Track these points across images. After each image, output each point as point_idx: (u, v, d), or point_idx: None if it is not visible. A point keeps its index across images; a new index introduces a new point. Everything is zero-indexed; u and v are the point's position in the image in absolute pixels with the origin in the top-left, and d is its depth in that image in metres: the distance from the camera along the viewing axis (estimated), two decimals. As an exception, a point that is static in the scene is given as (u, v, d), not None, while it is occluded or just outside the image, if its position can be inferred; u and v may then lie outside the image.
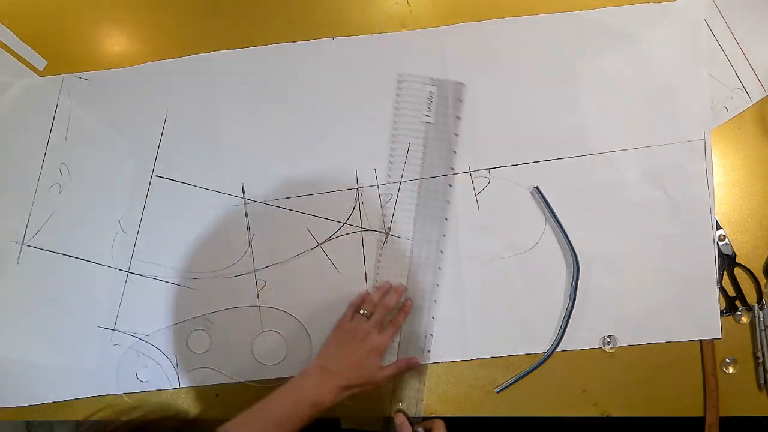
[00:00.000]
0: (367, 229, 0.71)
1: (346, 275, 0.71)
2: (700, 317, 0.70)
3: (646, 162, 0.70)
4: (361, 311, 0.68)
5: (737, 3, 0.70)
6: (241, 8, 0.71)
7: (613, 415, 0.71)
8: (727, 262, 0.70)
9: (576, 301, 0.70)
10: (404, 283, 0.71)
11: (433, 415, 0.72)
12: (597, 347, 0.71)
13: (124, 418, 0.38)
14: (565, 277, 0.71)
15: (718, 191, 0.71)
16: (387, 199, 0.71)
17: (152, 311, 0.72)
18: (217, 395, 0.73)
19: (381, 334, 0.67)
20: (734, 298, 0.70)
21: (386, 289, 0.70)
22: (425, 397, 0.72)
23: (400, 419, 0.68)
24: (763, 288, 0.70)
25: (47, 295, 0.73)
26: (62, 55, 0.72)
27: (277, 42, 0.71)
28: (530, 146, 0.70)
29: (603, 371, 0.71)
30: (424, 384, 0.71)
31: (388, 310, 0.68)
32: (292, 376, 0.72)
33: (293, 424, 0.60)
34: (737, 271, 0.71)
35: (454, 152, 0.71)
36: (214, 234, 0.72)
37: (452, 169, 0.71)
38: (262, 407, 0.61)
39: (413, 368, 0.70)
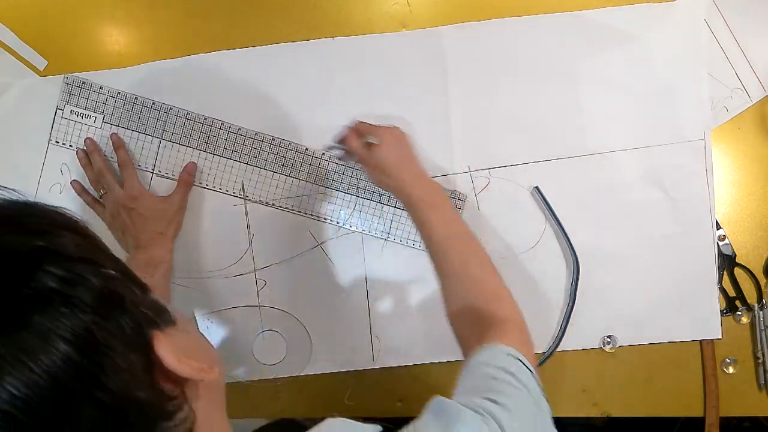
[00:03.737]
0: (368, 231, 0.71)
1: (346, 275, 0.71)
2: (700, 317, 0.70)
3: (646, 162, 0.70)
4: (99, 195, 0.70)
5: (737, 3, 0.70)
6: (241, 8, 0.71)
7: (613, 415, 0.71)
8: (727, 262, 0.70)
9: (576, 301, 0.70)
10: (402, 283, 0.71)
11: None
12: (597, 347, 0.71)
13: None
14: (565, 277, 0.71)
15: (718, 191, 0.70)
16: (387, 200, 0.71)
17: (152, 311, 0.72)
18: (217, 395, 0.73)
19: (122, 185, 0.68)
20: (734, 298, 0.70)
21: (89, 156, 0.70)
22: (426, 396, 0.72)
23: (346, 132, 0.65)
24: (763, 288, 0.70)
25: (47, 295, 0.72)
26: (62, 55, 0.72)
27: (277, 42, 0.71)
28: (530, 146, 0.70)
29: (603, 371, 0.71)
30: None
31: (104, 168, 0.69)
32: (292, 376, 0.73)
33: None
34: (737, 271, 0.71)
35: (454, 152, 0.71)
36: (214, 234, 0.72)
37: (452, 168, 0.71)
38: None
39: (192, 172, 0.70)
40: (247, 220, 0.72)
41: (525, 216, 0.71)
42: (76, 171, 0.71)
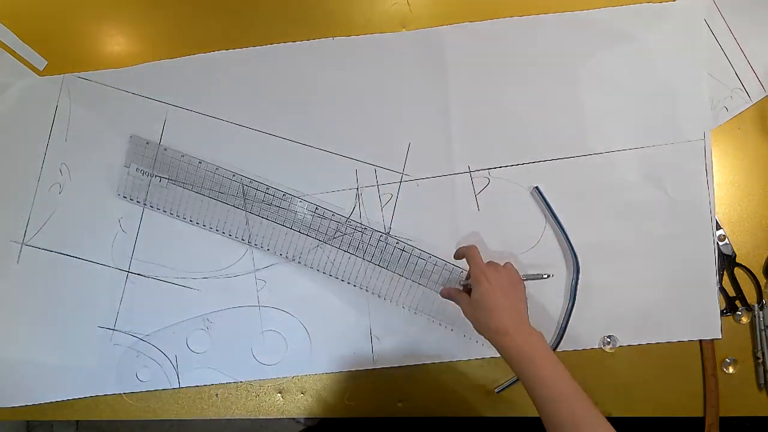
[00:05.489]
0: (367, 229, 0.71)
1: (346, 275, 0.71)
2: (700, 317, 0.70)
3: (646, 162, 0.70)
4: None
5: (737, 3, 0.70)
6: (241, 8, 0.71)
7: (613, 415, 0.71)
8: (727, 262, 0.70)
9: (576, 301, 0.70)
10: (402, 282, 0.71)
11: (432, 415, 0.72)
12: (597, 347, 0.71)
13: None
14: (565, 277, 0.71)
15: (718, 191, 0.71)
16: (387, 199, 0.71)
17: (152, 311, 0.72)
18: (217, 395, 0.73)
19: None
20: (734, 298, 0.70)
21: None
22: (426, 396, 0.72)
23: (444, 292, 0.66)
24: (763, 288, 0.70)
25: (47, 295, 0.73)
26: (62, 55, 0.72)
27: (277, 42, 0.71)
28: (530, 146, 0.70)
29: (603, 371, 0.71)
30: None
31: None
32: (291, 377, 0.72)
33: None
34: (737, 271, 0.71)
35: (454, 152, 0.71)
36: (214, 234, 0.72)
37: (452, 169, 0.71)
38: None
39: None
40: (247, 220, 0.72)
41: (525, 216, 0.71)
42: (75, 171, 0.71)
